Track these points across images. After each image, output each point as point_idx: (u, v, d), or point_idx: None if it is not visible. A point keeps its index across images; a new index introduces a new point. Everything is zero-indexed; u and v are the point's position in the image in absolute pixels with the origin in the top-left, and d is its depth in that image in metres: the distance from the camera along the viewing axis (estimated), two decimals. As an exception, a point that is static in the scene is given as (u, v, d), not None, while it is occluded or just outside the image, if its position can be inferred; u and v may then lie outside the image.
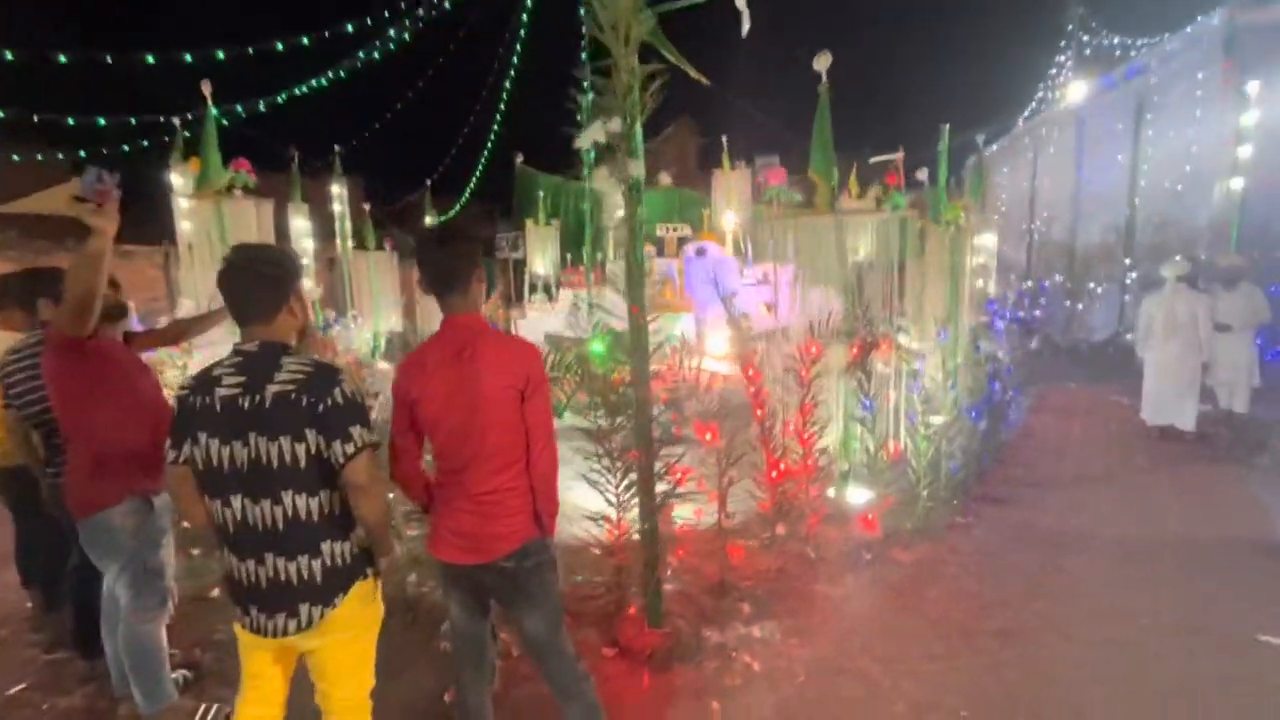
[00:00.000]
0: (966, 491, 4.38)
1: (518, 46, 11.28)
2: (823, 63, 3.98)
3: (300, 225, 7.71)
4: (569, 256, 16.58)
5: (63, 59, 6.68)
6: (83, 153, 9.14)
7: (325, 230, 9.92)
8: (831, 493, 3.95)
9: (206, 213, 4.61)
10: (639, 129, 2.42)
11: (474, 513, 1.70)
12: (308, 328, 1.68)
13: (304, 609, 1.53)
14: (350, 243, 10.45)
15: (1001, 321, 5.88)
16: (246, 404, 1.47)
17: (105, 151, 8.89)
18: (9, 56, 6.66)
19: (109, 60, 6.96)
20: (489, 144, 14.53)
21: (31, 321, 2.53)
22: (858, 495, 4.07)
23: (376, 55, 9.62)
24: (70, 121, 7.84)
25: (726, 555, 3.18)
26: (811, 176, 4.47)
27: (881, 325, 4.19)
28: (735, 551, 3.22)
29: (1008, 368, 5.62)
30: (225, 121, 4.80)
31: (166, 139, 8.42)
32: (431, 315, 14.15)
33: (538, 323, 14.45)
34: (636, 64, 2.38)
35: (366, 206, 11.76)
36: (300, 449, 1.48)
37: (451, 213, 18.31)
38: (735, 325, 3.64)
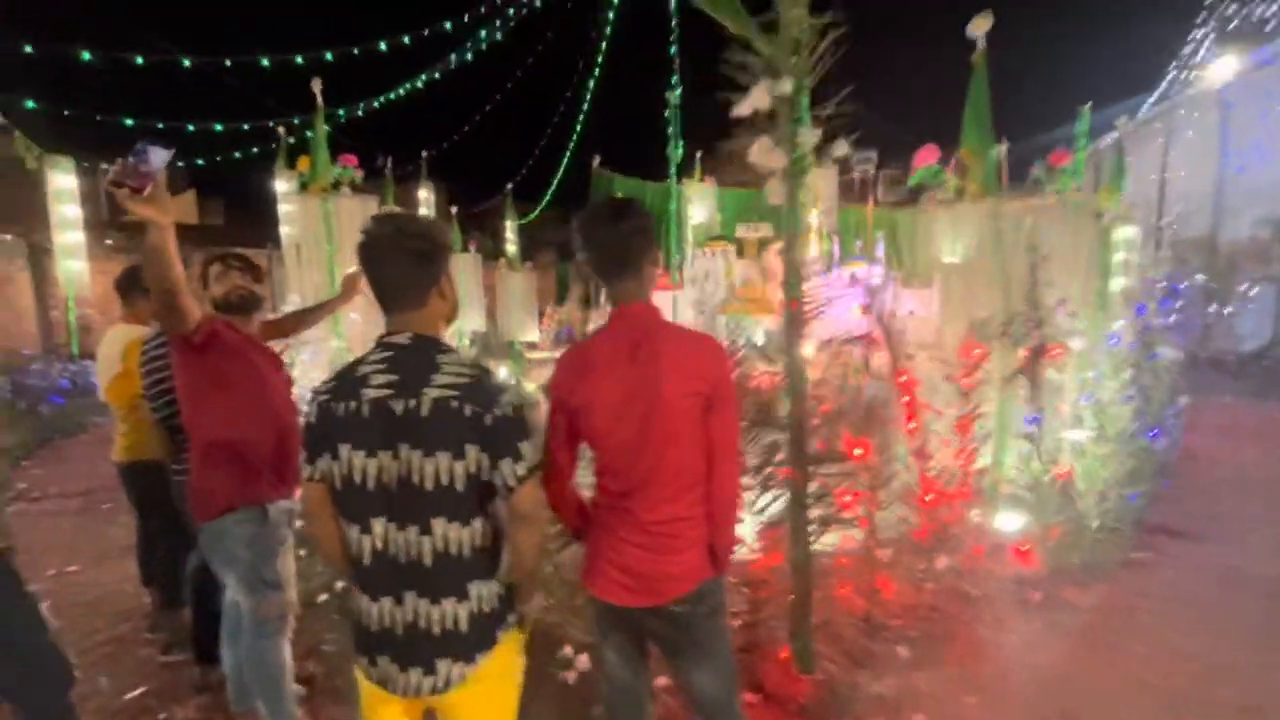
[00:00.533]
0: (1140, 522, 3.76)
1: (600, 47, 11.18)
2: (981, 26, 3.50)
3: None
4: (646, 258, 16.42)
5: (186, 63, 7.00)
6: (200, 161, 9.65)
7: None
8: (974, 516, 3.45)
9: (313, 209, 4.60)
10: (806, 93, 2.08)
11: (644, 546, 1.40)
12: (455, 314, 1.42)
13: (443, 666, 1.26)
14: None
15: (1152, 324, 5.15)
16: (400, 409, 1.22)
17: (219, 159, 9.35)
18: (138, 61, 7.03)
19: (227, 64, 7.26)
20: (571, 146, 14.50)
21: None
22: (1009, 522, 3.54)
23: (468, 56, 9.67)
24: (190, 129, 8.25)
25: (875, 588, 2.77)
26: (962, 159, 3.97)
27: (1047, 327, 3.63)
28: (885, 584, 2.80)
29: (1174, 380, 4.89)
30: (327, 126, 4.76)
31: (274, 145, 8.80)
32: (506, 315, 14.22)
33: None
34: (806, 16, 2.03)
35: (453, 210, 11.94)
36: (459, 468, 1.22)
37: (532, 216, 18.50)
38: (885, 335, 3.18)
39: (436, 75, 8.05)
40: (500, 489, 1.25)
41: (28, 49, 6.29)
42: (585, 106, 11.87)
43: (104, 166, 10.80)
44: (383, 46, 7.91)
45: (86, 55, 6.65)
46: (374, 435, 1.23)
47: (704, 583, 1.45)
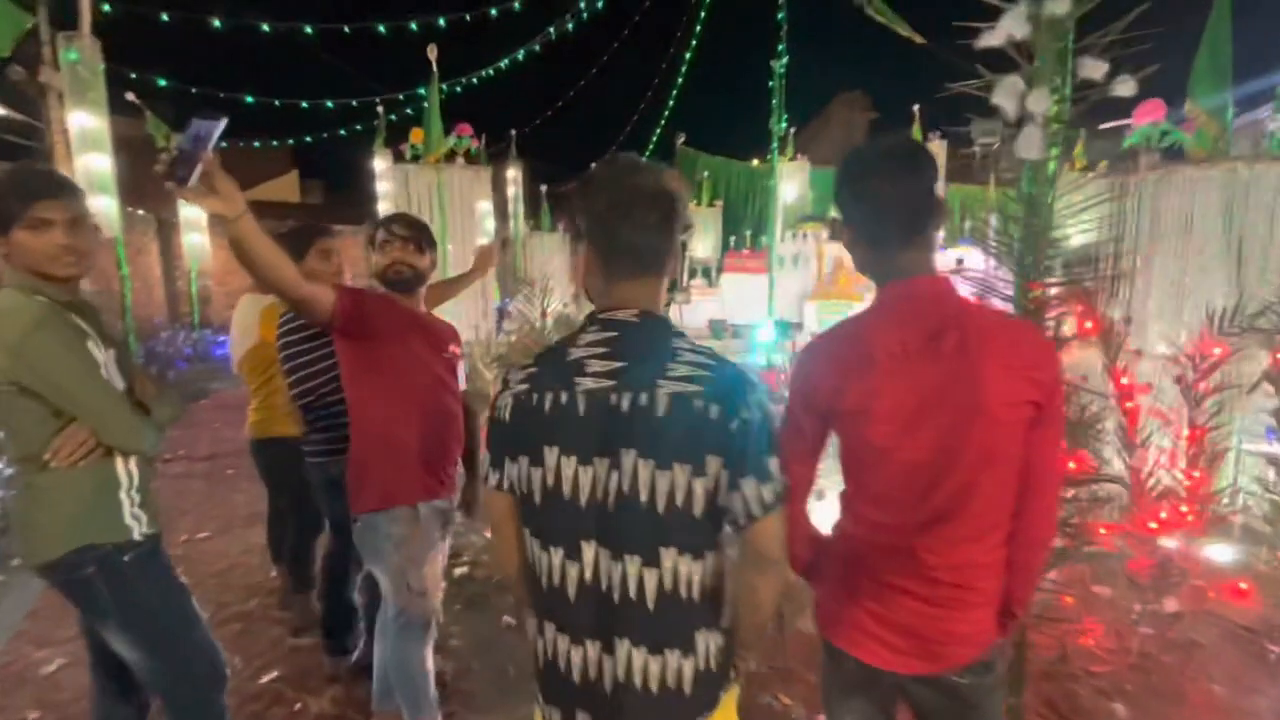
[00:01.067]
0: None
1: (696, 28, 10.67)
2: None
3: (483, 206, 7.82)
4: (732, 240, 15.84)
5: (309, 29, 7.10)
6: (308, 138, 9.93)
7: (499, 212, 10.09)
8: (1201, 548, 2.89)
9: (425, 181, 4.48)
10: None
11: (927, 599, 1.06)
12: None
13: None
14: (524, 224, 10.54)
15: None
16: (627, 405, 0.93)
17: (325, 135, 9.57)
18: (264, 28, 7.17)
19: (346, 30, 7.32)
20: (662, 123, 14.10)
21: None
22: (1221, 553, 2.97)
23: (570, 26, 9.41)
24: (304, 105, 8.45)
25: (1084, 629, 2.32)
26: (1190, 115, 3.33)
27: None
28: (1094, 625, 2.35)
29: None
30: (420, 100, 4.60)
31: (375, 123, 8.90)
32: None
33: (700, 309, 13.92)
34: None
35: (544, 188, 11.86)
36: (699, 486, 0.92)
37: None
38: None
39: (536, 48, 7.84)
40: (736, 517, 0.95)
41: (163, 16, 6.51)
42: (680, 80, 11.38)
43: (223, 144, 11.43)
44: (493, 13, 7.77)
45: (217, 24, 6.84)
46: (590, 437, 0.95)
47: (994, 647, 1.11)
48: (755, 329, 11.87)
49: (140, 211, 10.60)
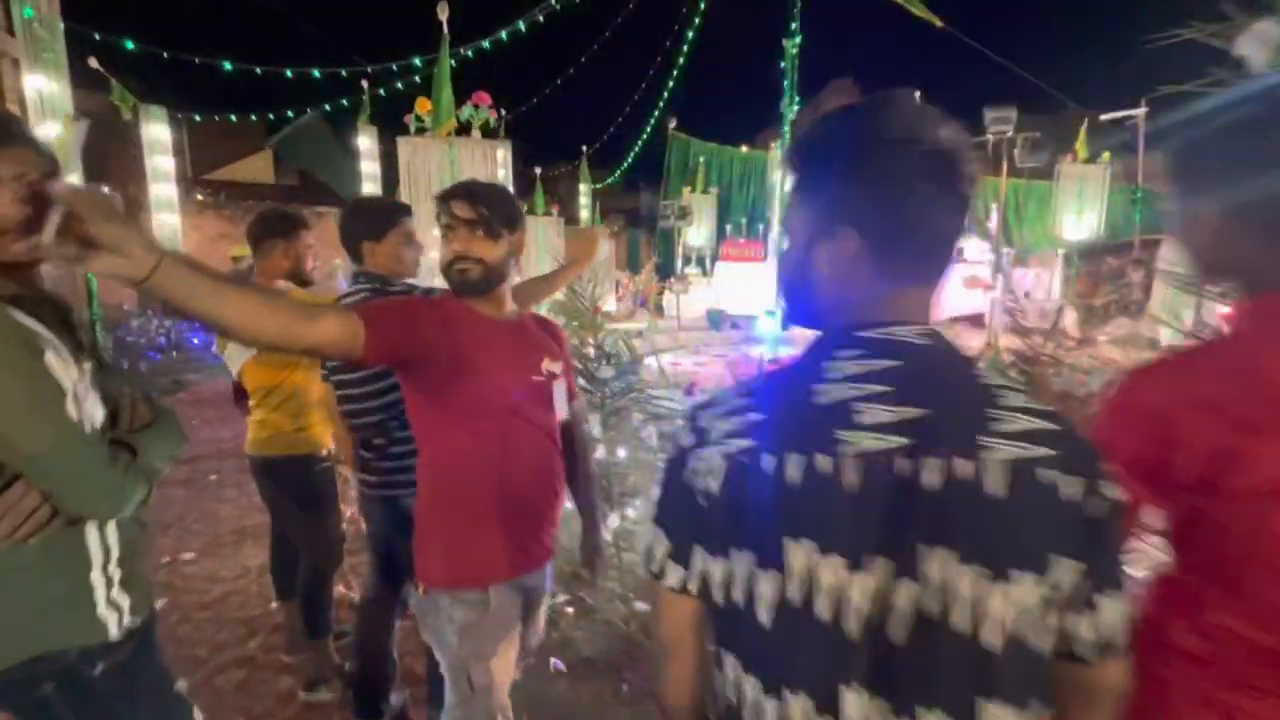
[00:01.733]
0: None
1: (696, 17, 10.21)
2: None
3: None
4: (728, 228, 15.51)
5: None
6: (289, 113, 9.30)
7: None
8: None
9: (434, 156, 4.04)
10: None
11: None
12: None
13: None
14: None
15: None
16: (934, 478, 0.59)
17: (306, 110, 8.97)
18: None
19: None
20: (657, 109, 13.63)
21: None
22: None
23: (556, 4, 8.91)
24: (288, 73, 7.84)
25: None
26: None
27: None
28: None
29: None
30: (431, 67, 4.13)
31: (362, 97, 8.33)
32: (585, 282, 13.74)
33: (699, 298, 13.57)
34: None
35: (537, 170, 11.37)
36: (1035, 597, 0.60)
37: (613, 179, 17.80)
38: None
39: (540, 18, 7.35)
40: (1085, 651, 0.63)
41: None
42: (681, 61, 10.93)
43: (196, 118, 10.70)
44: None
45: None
46: (868, 528, 0.61)
47: None
48: (756, 320, 11.61)
49: (106, 189, 9.89)
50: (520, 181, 11.23)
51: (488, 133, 4.00)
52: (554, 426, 1.46)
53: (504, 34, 7.11)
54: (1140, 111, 12.49)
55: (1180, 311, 9.56)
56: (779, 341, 8.76)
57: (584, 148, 15.21)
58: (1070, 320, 11.26)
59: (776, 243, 10.14)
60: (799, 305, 0.73)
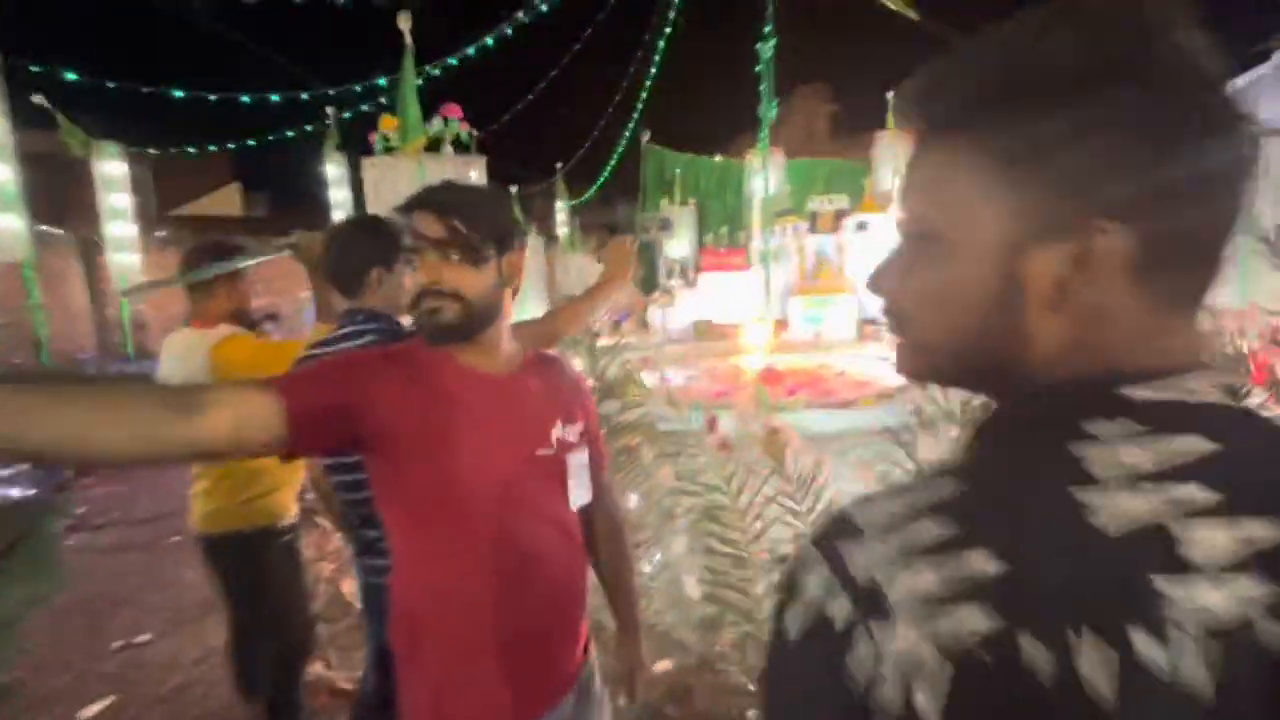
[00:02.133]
0: None
1: (667, 27, 10.08)
2: None
3: None
4: (708, 238, 15.35)
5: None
6: (251, 141, 8.95)
7: None
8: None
9: (403, 176, 3.74)
10: None
11: None
12: None
13: None
14: None
15: None
16: None
17: (270, 138, 8.63)
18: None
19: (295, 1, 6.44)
20: (631, 123, 13.49)
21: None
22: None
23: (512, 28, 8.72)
24: (245, 99, 7.52)
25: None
26: None
27: None
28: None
29: None
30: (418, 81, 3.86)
31: (326, 123, 8.03)
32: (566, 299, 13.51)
33: (684, 310, 13.37)
34: None
35: (514, 189, 11.11)
36: None
37: (589, 195, 17.63)
38: None
39: (509, 30, 7.11)
40: None
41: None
42: (653, 71, 10.79)
43: (152, 151, 10.27)
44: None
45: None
46: None
47: None
48: (743, 329, 11.41)
49: (58, 231, 9.44)
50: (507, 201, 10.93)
51: (461, 148, 3.72)
52: (569, 516, 1.10)
53: (471, 49, 6.86)
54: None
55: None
56: (767, 350, 8.58)
57: (559, 164, 15.04)
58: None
59: (760, 250, 9.94)
60: (974, 354, 0.44)
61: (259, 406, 0.81)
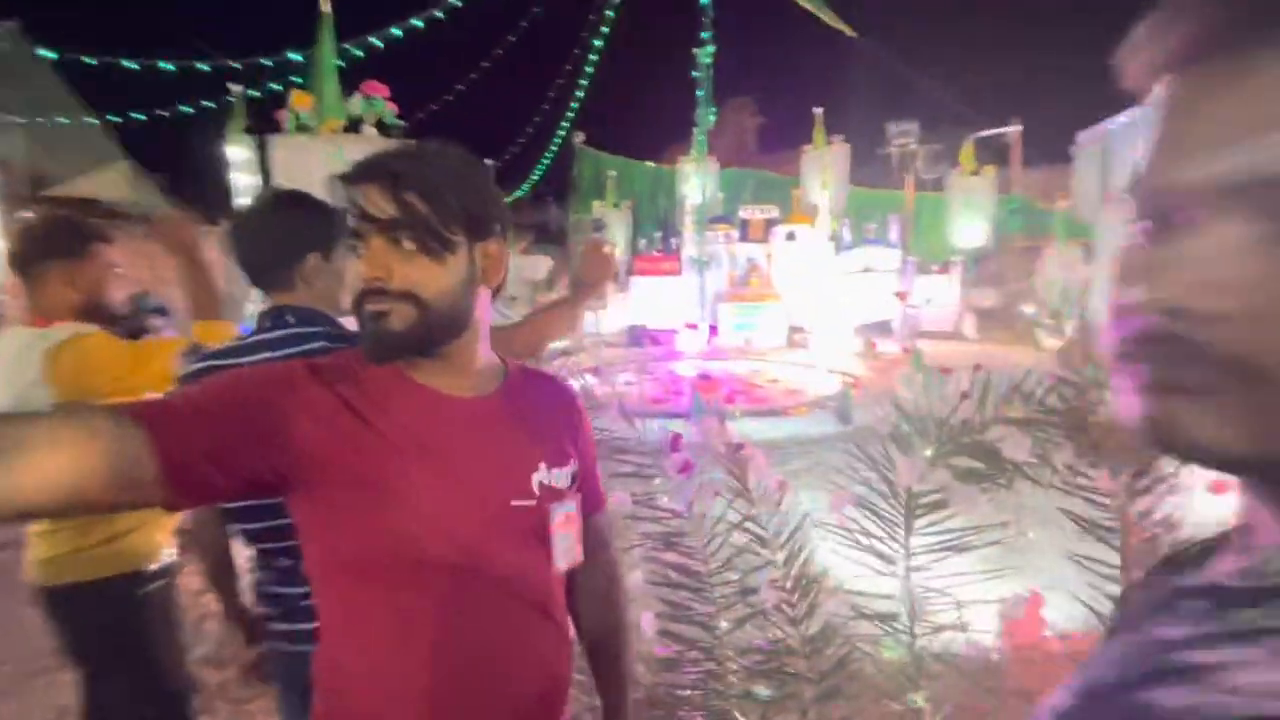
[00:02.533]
0: None
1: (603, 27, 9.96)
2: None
3: None
4: (642, 242, 15.28)
5: None
6: (141, 115, 8.09)
7: None
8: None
9: (316, 159, 3.37)
10: None
11: None
12: None
13: None
14: None
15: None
16: None
17: (166, 114, 7.82)
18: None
19: None
20: (565, 121, 13.26)
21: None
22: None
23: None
24: (132, 65, 6.74)
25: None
26: None
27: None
28: None
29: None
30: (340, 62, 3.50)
31: (231, 100, 7.33)
32: (503, 304, 13.15)
33: (617, 314, 13.21)
34: None
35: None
36: None
37: (520, 193, 17.20)
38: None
39: (439, 14, 6.73)
40: None
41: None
42: (589, 69, 10.62)
43: (18, 120, 9.04)
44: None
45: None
46: None
47: None
48: (677, 334, 11.39)
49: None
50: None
51: (386, 131, 3.37)
52: (553, 586, 0.85)
53: (397, 30, 6.44)
54: (1014, 129, 13.61)
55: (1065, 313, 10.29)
56: (701, 355, 8.56)
57: (490, 161, 14.57)
58: (970, 324, 11.97)
59: (694, 257, 9.95)
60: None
61: (112, 444, 0.58)
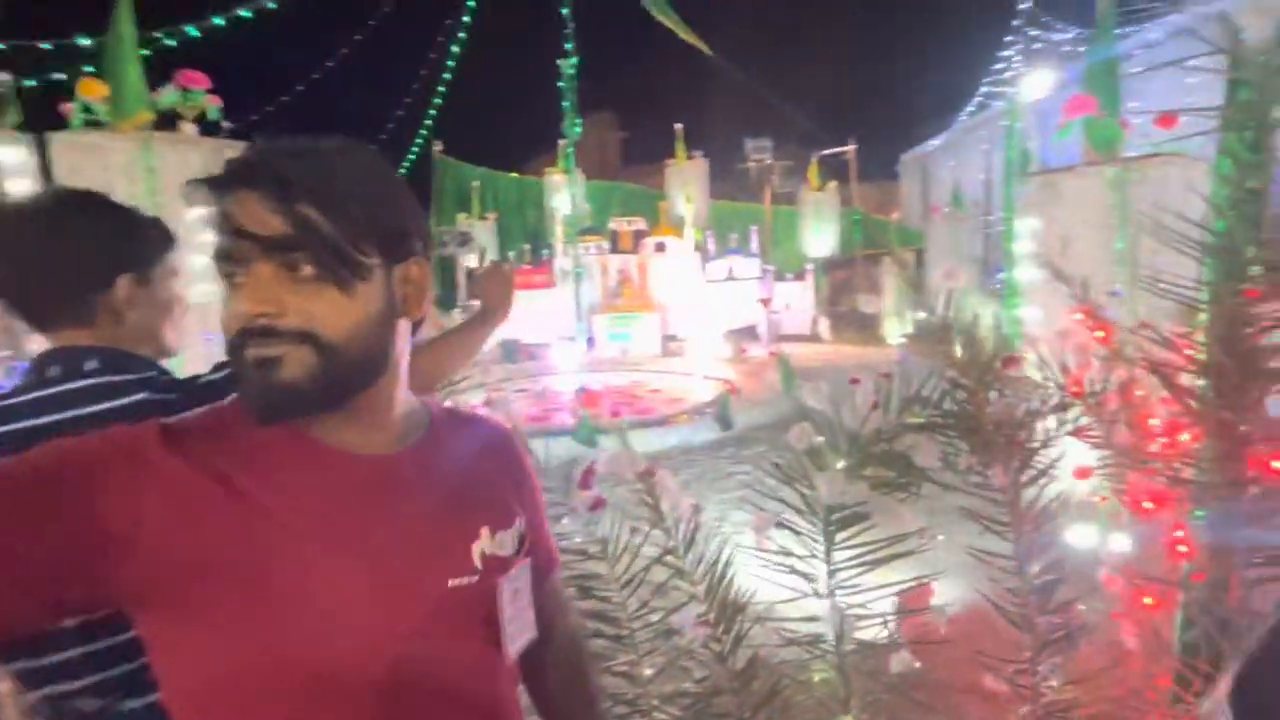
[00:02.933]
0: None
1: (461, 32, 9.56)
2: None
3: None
4: (510, 254, 14.84)
5: None
6: None
7: None
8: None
9: (118, 160, 2.80)
10: None
11: None
12: None
13: None
14: None
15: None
16: None
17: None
18: None
19: None
20: (423, 128, 12.58)
21: None
22: None
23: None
24: None
25: None
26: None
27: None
28: None
29: None
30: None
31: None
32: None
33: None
34: None
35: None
36: None
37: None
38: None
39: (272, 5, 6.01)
40: None
41: None
42: (447, 74, 10.13)
43: None
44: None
45: None
46: None
47: None
48: (553, 348, 11.13)
49: None
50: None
51: (208, 129, 2.84)
52: (501, 683, 0.68)
53: (219, 20, 5.65)
54: (850, 148, 15.02)
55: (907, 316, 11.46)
56: (580, 370, 8.41)
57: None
58: (824, 327, 12.95)
59: (570, 270, 9.77)
60: None
61: None
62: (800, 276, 13.90)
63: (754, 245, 14.09)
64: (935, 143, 15.01)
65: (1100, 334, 1.76)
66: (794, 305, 13.55)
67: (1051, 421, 1.64)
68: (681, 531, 1.57)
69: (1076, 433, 1.63)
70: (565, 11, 7.73)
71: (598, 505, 1.46)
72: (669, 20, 8.86)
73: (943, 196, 13.82)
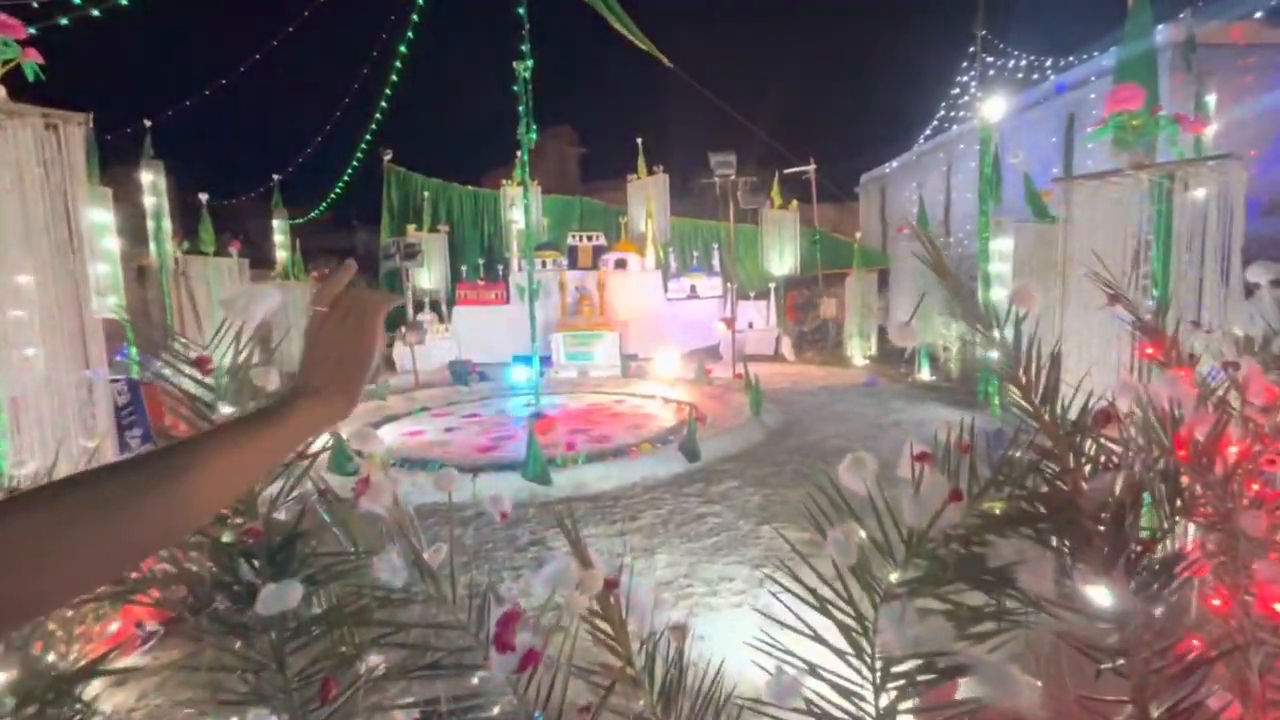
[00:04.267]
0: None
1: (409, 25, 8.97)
2: None
3: (100, 219, 5.06)
4: (463, 269, 14.10)
5: None
6: None
7: (133, 228, 7.01)
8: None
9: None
10: None
11: None
12: None
13: None
14: (171, 246, 7.49)
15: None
16: None
17: None
18: None
19: None
20: (367, 136, 11.84)
21: None
22: None
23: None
24: None
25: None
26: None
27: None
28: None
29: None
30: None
31: None
32: (288, 340, 11.20)
33: (435, 349, 11.91)
34: None
35: (204, 198, 8.64)
36: None
37: (317, 213, 15.08)
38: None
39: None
40: None
41: None
42: (393, 77, 9.49)
43: None
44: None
45: None
46: None
47: None
48: (507, 368, 10.46)
49: None
50: (181, 209, 8.43)
51: (26, 89, 2.13)
52: None
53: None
54: (811, 168, 14.95)
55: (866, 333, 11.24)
56: (536, 391, 7.80)
57: (275, 176, 12.55)
58: (787, 346, 12.67)
59: (524, 285, 9.16)
60: None
61: None
62: (763, 295, 13.67)
63: (715, 263, 13.80)
64: (894, 164, 15.08)
65: (1181, 374, 1.30)
66: (757, 324, 13.27)
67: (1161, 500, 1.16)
68: (660, 681, 1.03)
69: (1191, 513, 1.16)
70: (521, 12, 7.23)
71: (529, 661, 0.91)
72: (619, 23, 8.51)
73: (901, 217, 13.87)
